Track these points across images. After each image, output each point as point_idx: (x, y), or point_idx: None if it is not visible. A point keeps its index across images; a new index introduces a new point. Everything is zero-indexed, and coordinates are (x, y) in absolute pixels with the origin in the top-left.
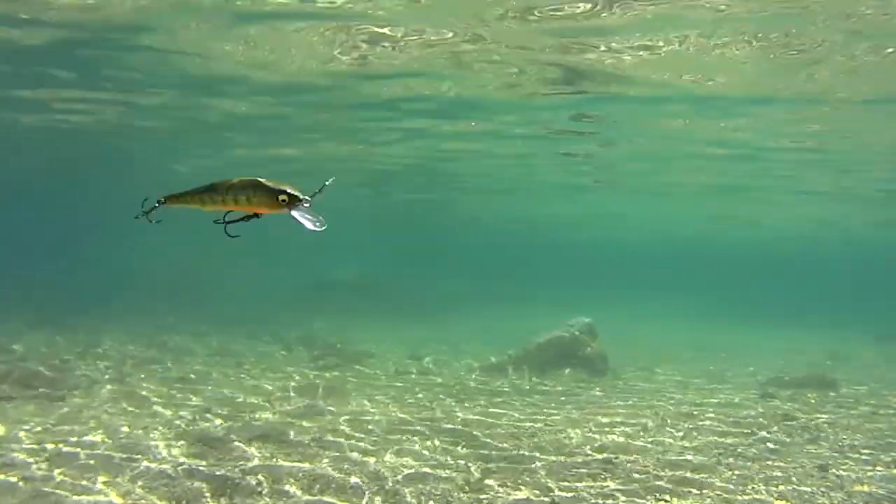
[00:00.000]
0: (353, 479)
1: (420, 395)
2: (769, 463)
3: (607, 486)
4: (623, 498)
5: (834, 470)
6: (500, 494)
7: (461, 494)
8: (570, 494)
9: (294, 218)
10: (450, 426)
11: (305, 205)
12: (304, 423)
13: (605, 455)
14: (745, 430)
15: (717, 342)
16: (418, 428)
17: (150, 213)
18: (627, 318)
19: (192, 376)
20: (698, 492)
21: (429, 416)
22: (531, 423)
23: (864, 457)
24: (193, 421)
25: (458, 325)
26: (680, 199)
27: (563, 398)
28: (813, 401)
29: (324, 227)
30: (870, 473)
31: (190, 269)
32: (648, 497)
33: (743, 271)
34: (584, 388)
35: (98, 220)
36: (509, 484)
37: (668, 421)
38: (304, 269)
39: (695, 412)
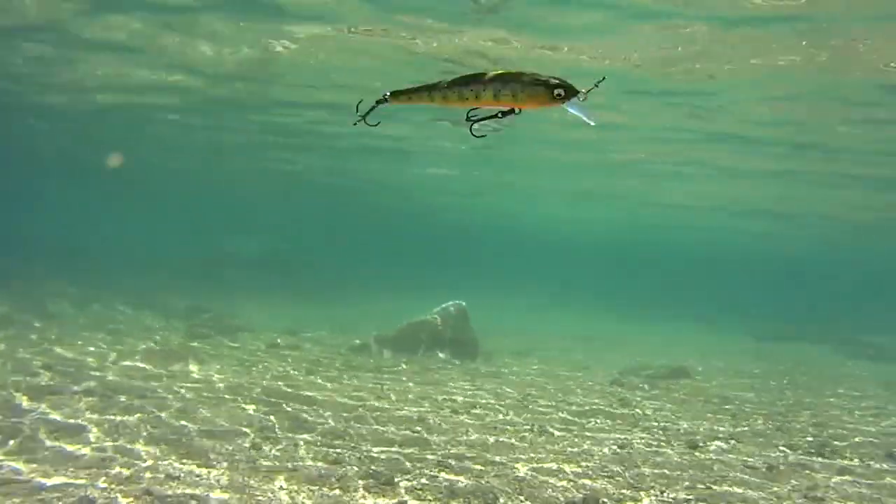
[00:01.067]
0: (157, 431)
1: (271, 368)
2: (576, 439)
3: (399, 454)
4: (414, 464)
5: (628, 449)
6: (282, 457)
7: (251, 451)
8: (361, 462)
9: (569, 111)
10: (281, 395)
11: (580, 99)
12: (139, 384)
13: (415, 429)
14: (576, 411)
15: (604, 333)
16: (249, 394)
17: (369, 112)
18: (526, 306)
19: (53, 337)
20: (481, 466)
21: (267, 385)
22: (363, 397)
23: (669, 440)
24: (29, 376)
25: (354, 306)
26: (575, 178)
27: (416, 376)
28: (657, 389)
29: (595, 123)
30: (663, 455)
31: (92, 237)
32: (435, 468)
33: (648, 268)
34: (443, 368)
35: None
36: (320, 451)
37: (505, 401)
38: (208, 240)
39: (535, 392)
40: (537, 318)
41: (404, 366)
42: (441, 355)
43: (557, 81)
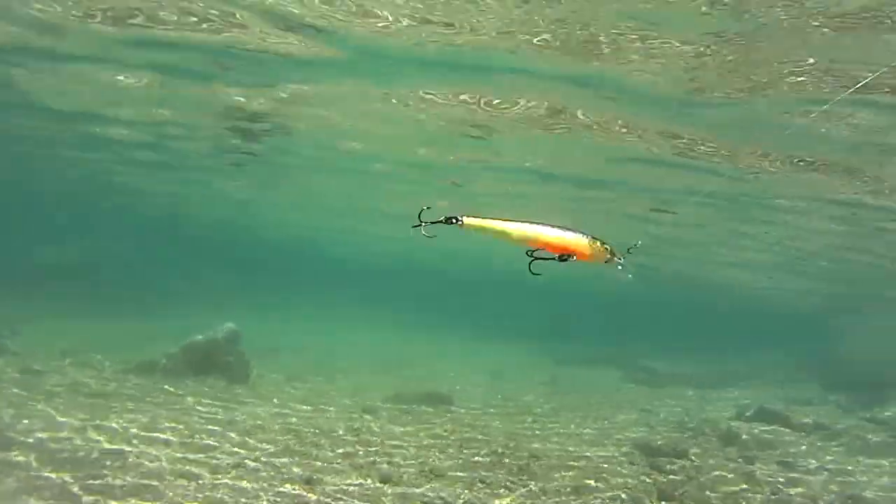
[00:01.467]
0: None
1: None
2: (270, 473)
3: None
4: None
5: (316, 485)
6: None
7: None
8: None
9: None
10: None
11: (619, 259)
12: None
13: (110, 465)
14: (302, 441)
15: (401, 355)
16: None
17: (430, 223)
18: (325, 325)
19: None
20: (148, 495)
21: None
22: (78, 432)
23: (367, 474)
24: None
25: (150, 323)
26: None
27: (160, 406)
28: (408, 416)
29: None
30: (350, 493)
31: None
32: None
33: (461, 290)
34: (197, 394)
35: None
36: None
37: (241, 433)
38: (16, 249)
39: (275, 426)
40: (334, 339)
41: (153, 394)
42: (205, 379)
43: (609, 246)
